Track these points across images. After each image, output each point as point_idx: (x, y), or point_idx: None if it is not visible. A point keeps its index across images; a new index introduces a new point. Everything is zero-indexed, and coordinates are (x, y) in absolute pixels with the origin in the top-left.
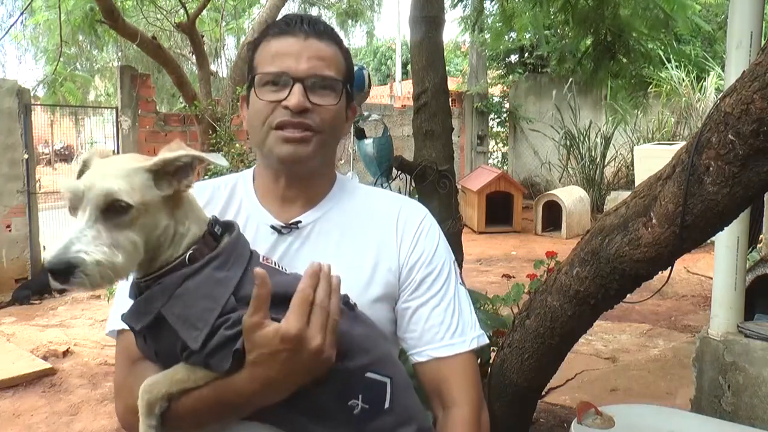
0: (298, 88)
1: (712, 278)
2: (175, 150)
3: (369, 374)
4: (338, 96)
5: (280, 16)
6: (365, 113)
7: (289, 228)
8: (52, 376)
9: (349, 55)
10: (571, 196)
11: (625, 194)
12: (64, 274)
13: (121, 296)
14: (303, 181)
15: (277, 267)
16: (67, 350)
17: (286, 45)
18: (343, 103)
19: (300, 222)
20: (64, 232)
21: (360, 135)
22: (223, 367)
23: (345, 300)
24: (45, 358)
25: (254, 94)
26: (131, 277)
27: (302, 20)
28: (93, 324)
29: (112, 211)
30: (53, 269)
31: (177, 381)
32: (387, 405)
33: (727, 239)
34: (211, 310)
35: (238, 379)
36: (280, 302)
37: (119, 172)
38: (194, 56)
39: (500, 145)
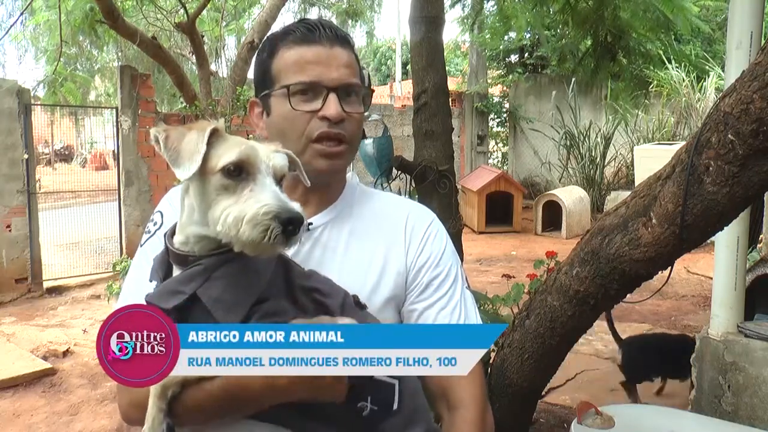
0: (333, 97)
1: (712, 278)
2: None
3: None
4: (362, 103)
5: (280, 17)
6: (365, 113)
7: None
8: (52, 376)
9: (359, 59)
10: (571, 196)
11: (625, 194)
12: (299, 227)
13: (134, 283)
14: (322, 187)
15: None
16: (67, 350)
17: (312, 53)
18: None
19: (311, 224)
20: (265, 190)
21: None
22: None
23: (356, 300)
24: (45, 358)
25: (286, 103)
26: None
27: (323, 26)
28: (93, 324)
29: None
30: (299, 219)
31: None
32: (395, 407)
33: (727, 239)
34: (247, 297)
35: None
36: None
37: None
38: (194, 56)
39: (500, 145)
